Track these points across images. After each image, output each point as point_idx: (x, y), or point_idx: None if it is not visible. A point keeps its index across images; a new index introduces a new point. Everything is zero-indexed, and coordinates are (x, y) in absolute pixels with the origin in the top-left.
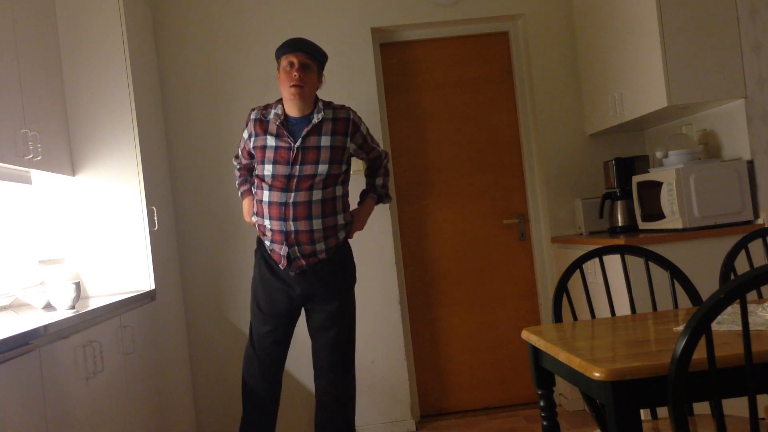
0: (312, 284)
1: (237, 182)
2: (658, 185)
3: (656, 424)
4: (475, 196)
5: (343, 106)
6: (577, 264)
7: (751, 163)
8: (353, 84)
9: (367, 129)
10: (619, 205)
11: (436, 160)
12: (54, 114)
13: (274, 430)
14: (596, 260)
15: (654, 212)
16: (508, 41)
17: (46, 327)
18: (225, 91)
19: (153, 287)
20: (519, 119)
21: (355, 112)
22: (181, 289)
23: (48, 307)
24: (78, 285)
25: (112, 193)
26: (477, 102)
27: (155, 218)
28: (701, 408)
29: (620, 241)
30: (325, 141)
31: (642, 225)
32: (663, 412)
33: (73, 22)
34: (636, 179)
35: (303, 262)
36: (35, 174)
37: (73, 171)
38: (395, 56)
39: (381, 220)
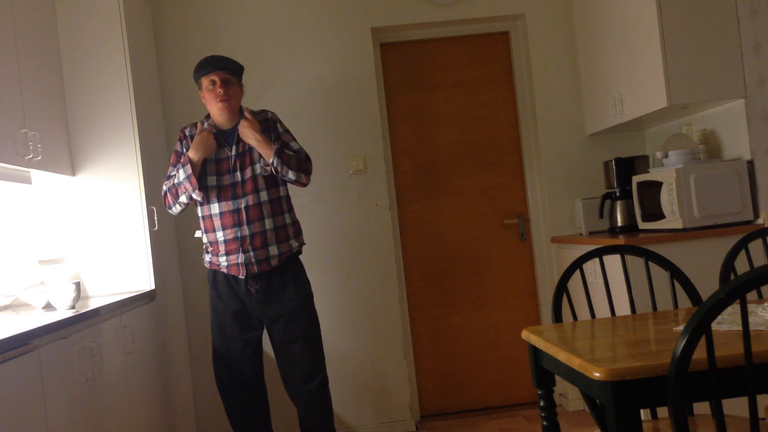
0: (270, 303)
1: (166, 186)
2: (658, 185)
3: (656, 424)
4: (475, 196)
5: (262, 110)
6: (577, 264)
7: (751, 163)
8: (353, 84)
9: (286, 129)
10: (619, 205)
11: (436, 160)
12: (54, 114)
13: (267, 410)
14: (596, 260)
15: (654, 212)
16: (508, 41)
17: (46, 327)
18: None
19: (153, 287)
20: (519, 119)
21: (273, 113)
22: (181, 289)
23: (48, 307)
24: (78, 285)
25: (112, 193)
26: (477, 102)
27: (155, 218)
28: (701, 408)
29: (620, 241)
30: None
31: (642, 225)
32: (663, 412)
33: (73, 22)
34: (636, 179)
35: (255, 268)
36: (35, 174)
37: (73, 171)
38: (395, 56)
39: (381, 220)
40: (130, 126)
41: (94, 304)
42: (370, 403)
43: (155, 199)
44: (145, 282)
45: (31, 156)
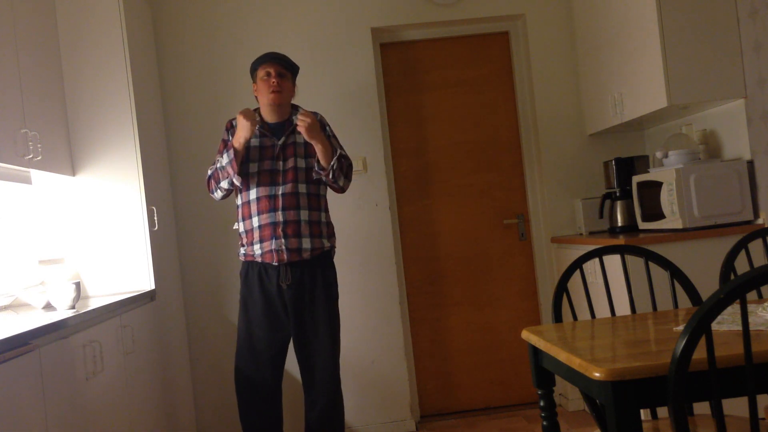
0: (301, 301)
1: (211, 171)
2: (658, 185)
3: (656, 424)
4: (475, 196)
5: (313, 112)
6: (577, 264)
7: (751, 163)
8: (353, 84)
9: (333, 133)
10: (619, 205)
11: (436, 160)
12: (54, 114)
13: (281, 416)
14: (596, 260)
15: (654, 212)
16: (508, 41)
17: (46, 327)
18: (225, 91)
19: (153, 287)
20: (519, 119)
21: (322, 116)
22: (181, 289)
23: (48, 307)
24: (78, 285)
25: (112, 193)
26: (477, 102)
27: (155, 218)
28: (701, 408)
29: (620, 241)
30: (300, 138)
31: (642, 225)
32: (663, 412)
33: (73, 22)
34: (636, 179)
35: (286, 256)
36: (35, 174)
37: (73, 171)
38: (395, 56)
39: (381, 220)
40: (130, 126)
41: (94, 304)
42: (370, 403)
43: (155, 199)
44: (145, 282)
45: (31, 156)
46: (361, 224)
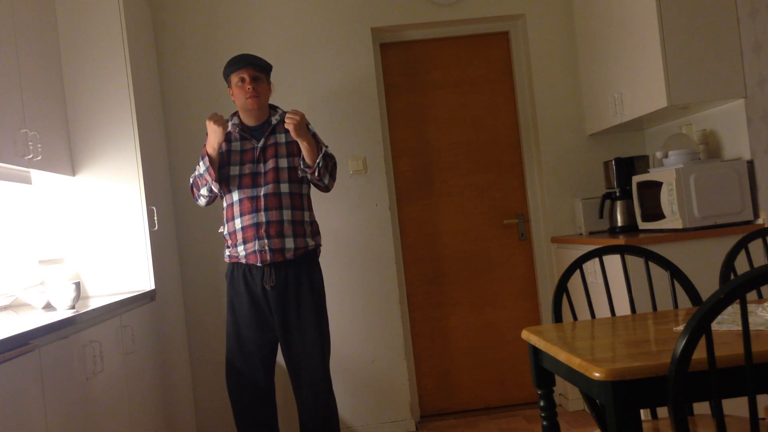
0: (285, 303)
1: (192, 178)
2: (658, 185)
3: (656, 424)
4: (475, 196)
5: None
6: (577, 264)
7: (751, 163)
8: (353, 84)
9: (314, 132)
10: (619, 205)
11: (436, 160)
12: (54, 114)
13: (275, 416)
14: (596, 260)
15: (654, 212)
16: (508, 41)
17: (46, 327)
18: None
19: (153, 287)
20: (519, 119)
21: (302, 114)
22: (181, 289)
23: (48, 307)
24: (78, 285)
25: (112, 193)
26: (477, 102)
27: (155, 218)
28: (701, 408)
29: (620, 241)
30: (281, 138)
31: (642, 225)
32: (663, 412)
33: (73, 22)
34: (636, 179)
35: (269, 257)
36: (35, 174)
37: (73, 171)
38: (395, 56)
39: (381, 220)
40: (130, 126)
41: (94, 304)
42: (370, 403)
43: (155, 199)
44: (145, 282)
45: (31, 156)
46: (361, 224)
